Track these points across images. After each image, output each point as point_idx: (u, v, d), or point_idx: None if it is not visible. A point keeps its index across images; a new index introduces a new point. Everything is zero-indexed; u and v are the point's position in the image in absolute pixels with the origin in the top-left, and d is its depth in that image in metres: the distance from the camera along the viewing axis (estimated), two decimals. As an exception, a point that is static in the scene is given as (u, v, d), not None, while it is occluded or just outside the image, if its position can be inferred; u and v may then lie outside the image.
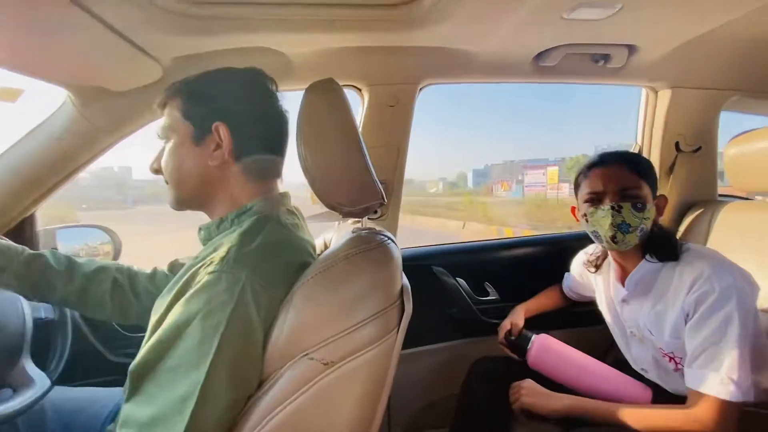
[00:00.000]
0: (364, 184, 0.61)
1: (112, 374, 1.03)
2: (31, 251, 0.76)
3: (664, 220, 1.33)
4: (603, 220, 0.86)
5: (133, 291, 0.83)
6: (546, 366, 1.01)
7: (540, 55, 1.09)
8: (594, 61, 1.14)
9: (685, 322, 0.80)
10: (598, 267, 1.03)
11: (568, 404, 0.88)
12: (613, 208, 0.85)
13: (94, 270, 0.81)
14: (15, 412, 0.66)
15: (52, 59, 0.78)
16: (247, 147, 0.65)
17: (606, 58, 1.11)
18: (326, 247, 0.79)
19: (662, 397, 0.91)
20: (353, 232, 0.65)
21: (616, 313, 0.99)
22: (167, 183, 0.69)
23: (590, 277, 1.09)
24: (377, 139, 1.16)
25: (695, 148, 1.34)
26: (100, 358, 1.06)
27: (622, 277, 0.94)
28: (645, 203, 0.86)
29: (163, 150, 0.69)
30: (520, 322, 1.13)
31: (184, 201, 0.69)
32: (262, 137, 0.67)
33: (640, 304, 0.91)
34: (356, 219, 0.69)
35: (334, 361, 0.51)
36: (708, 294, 0.77)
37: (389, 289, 0.57)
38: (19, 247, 0.76)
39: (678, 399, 0.84)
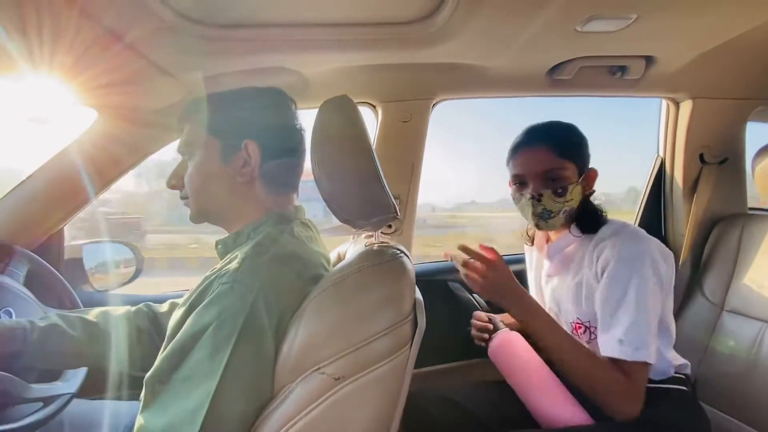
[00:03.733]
0: (377, 199, 0.61)
1: (130, 388, 1.04)
2: (42, 324, 0.69)
3: (689, 234, 1.29)
4: (525, 208, 0.89)
5: (158, 334, 0.80)
6: (500, 362, 0.99)
7: (554, 69, 1.09)
8: (610, 74, 1.12)
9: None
10: (533, 240, 1.03)
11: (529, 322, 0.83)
12: (533, 197, 0.86)
13: (114, 325, 0.77)
14: (46, 417, 0.70)
15: (82, 83, 0.83)
16: (272, 164, 0.67)
17: (623, 69, 1.10)
18: (340, 259, 0.79)
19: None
20: (366, 245, 0.65)
21: (540, 290, 1.00)
22: (185, 198, 0.70)
23: (526, 254, 1.10)
24: (392, 155, 1.17)
25: (721, 159, 1.29)
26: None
27: (548, 250, 0.96)
28: (567, 186, 0.85)
29: (181, 165, 0.70)
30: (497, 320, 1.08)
31: (206, 215, 0.70)
32: (285, 154, 0.69)
33: (563, 278, 0.91)
34: (369, 233, 0.69)
35: (346, 375, 0.51)
36: (612, 260, 0.80)
37: (402, 303, 0.56)
38: (25, 322, 0.68)
39: None
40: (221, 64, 0.89)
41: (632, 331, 0.76)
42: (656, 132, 1.41)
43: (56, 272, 0.95)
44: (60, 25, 0.62)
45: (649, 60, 1.06)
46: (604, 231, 0.87)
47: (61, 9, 0.59)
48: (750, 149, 1.32)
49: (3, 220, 1.00)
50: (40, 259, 0.93)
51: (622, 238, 0.82)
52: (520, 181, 0.90)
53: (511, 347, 0.99)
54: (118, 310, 0.80)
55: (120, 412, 0.87)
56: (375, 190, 0.61)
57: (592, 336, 0.85)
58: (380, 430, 0.53)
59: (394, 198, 0.64)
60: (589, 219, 0.89)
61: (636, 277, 0.78)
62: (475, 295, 1.27)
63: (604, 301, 0.80)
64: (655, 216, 1.43)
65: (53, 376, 0.80)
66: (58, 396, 0.75)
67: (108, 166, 1.03)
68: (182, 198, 0.71)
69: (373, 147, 0.74)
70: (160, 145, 1.04)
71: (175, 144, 0.75)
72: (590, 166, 0.91)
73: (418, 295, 0.63)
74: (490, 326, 1.05)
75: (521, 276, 1.11)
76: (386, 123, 1.17)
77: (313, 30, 0.83)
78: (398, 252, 0.62)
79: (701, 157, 1.30)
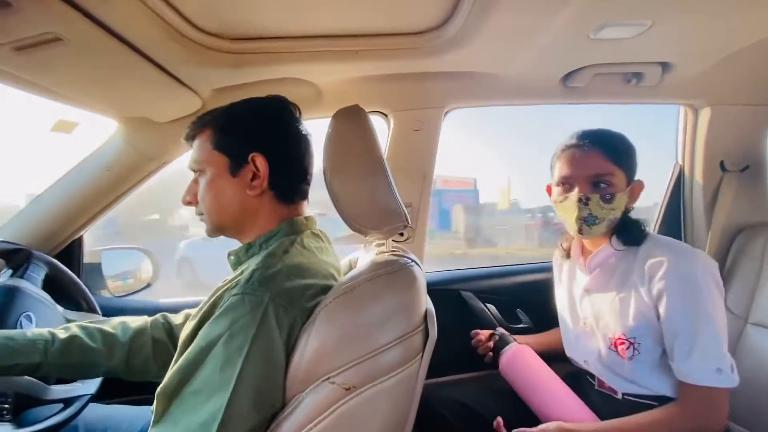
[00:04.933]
0: (388, 207, 0.62)
1: (143, 393, 1.05)
2: (63, 336, 0.70)
3: (710, 244, 1.25)
4: (570, 211, 0.85)
5: (174, 345, 0.79)
6: (512, 375, 0.97)
7: (567, 77, 1.08)
8: (625, 81, 1.11)
9: (656, 313, 0.80)
10: (569, 253, 1.00)
11: None
12: (580, 200, 0.83)
13: (132, 336, 0.77)
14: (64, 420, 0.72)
15: (105, 95, 0.85)
16: (281, 173, 0.67)
17: (638, 76, 1.08)
18: (351, 267, 0.79)
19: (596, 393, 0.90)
20: (377, 254, 0.65)
21: (574, 305, 0.96)
22: (200, 214, 0.70)
23: (554, 267, 1.07)
24: (403, 163, 1.17)
25: (742, 167, 1.25)
26: None
27: (585, 262, 0.93)
28: (615, 193, 0.83)
29: (194, 182, 0.71)
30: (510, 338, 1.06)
31: (222, 229, 0.71)
32: (292, 162, 0.69)
33: (604, 292, 0.89)
34: (380, 242, 0.69)
35: (356, 386, 0.50)
36: (674, 282, 0.78)
37: (412, 313, 0.56)
38: (46, 333, 0.69)
39: (609, 397, 0.87)
40: (236, 75, 0.91)
41: (721, 356, 0.75)
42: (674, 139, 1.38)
43: (73, 275, 0.97)
44: (83, 41, 0.65)
45: (665, 66, 1.04)
46: (649, 245, 0.85)
47: (83, 25, 0.61)
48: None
49: (28, 227, 1.04)
50: (57, 262, 0.95)
51: (677, 257, 0.80)
52: (567, 183, 0.87)
53: (521, 361, 0.98)
54: (136, 321, 0.81)
55: (135, 417, 0.87)
56: (386, 199, 0.61)
57: (636, 352, 0.82)
58: None
59: (406, 206, 0.64)
60: (632, 231, 0.87)
61: (706, 298, 0.76)
62: (489, 305, 1.25)
63: (681, 327, 0.77)
64: (674, 225, 1.39)
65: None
66: (78, 397, 0.76)
67: (127, 175, 1.06)
68: (198, 214, 0.71)
69: (385, 156, 0.74)
70: (177, 153, 1.07)
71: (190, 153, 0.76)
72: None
73: (430, 305, 0.62)
74: (490, 344, 1.03)
75: (548, 285, 1.10)
76: (398, 132, 1.17)
77: (327, 41, 0.84)
78: (409, 261, 0.62)
79: (722, 164, 1.26)
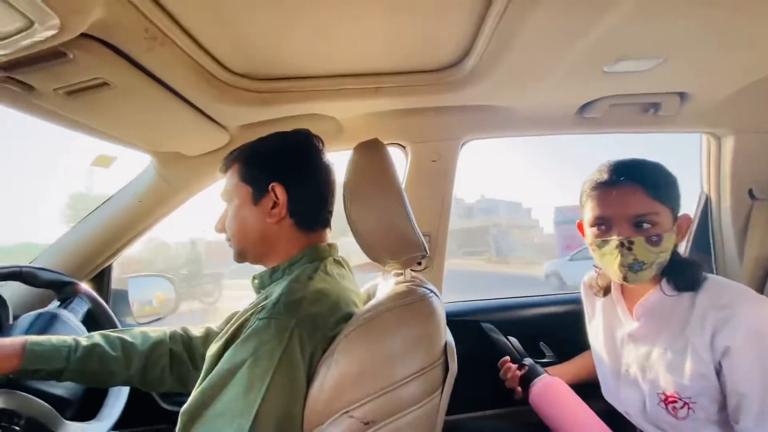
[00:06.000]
0: (406, 237, 0.63)
1: (163, 422, 1.05)
2: (86, 343, 0.72)
3: (745, 276, 1.19)
4: (610, 257, 0.74)
5: (191, 359, 0.82)
6: (545, 409, 0.92)
7: (584, 107, 1.09)
8: (643, 111, 1.11)
9: (717, 369, 0.71)
10: (606, 291, 0.89)
11: None
12: (622, 245, 0.72)
13: (151, 347, 0.78)
14: None
15: (142, 132, 0.92)
16: (300, 202, 0.71)
17: (656, 106, 1.08)
18: (369, 298, 0.79)
19: None
20: (396, 284, 0.65)
21: (615, 349, 0.87)
22: (228, 241, 0.75)
23: (584, 300, 0.98)
24: (421, 193, 1.19)
25: None
26: (152, 405, 1.09)
27: (631, 306, 0.83)
28: (662, 234, 0.72)
29: (225, 212, 0.76)
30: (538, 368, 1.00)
31: (245, 255, 0.74)
32: (313, 191, 0.73)
33: (652, 342, 0.79)
34: (399, 271, 0.70)
35: (375, 420, 0.50)
36: (746, 338, 0.68)
37: (432, 345, 0.55)
38: (70, 341, 0.71)
39: None
40: (262, 112, 0.97)
41: None
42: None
43: (112, 314, 1.00)
44: (127, 85, 0.70)
45: (683, 96, 1.04)
46: (708, 292, 0.74)
47: (129, 71, 0.67)
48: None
49: (65, 254, 1.09)
50: (101, 300, 0.99)
51: (746, 308, 0.70)
52: (603, 225, 0.76)
53: (554, 393, 0.94)
54: (156, 332, 0.83)
55: None
56: (405, 230, 0.62)
57: (691, 411, 0.72)
58: None
59: (424, 235, 0.64)
60: (686, 274, 0.76)
61: None
62: (510, 337, 1.22)
63: (750, 388, 0.68)
64: (703, 257, 1.34)
65: (89, 411, 0.82)
66: None
67: (157, 206, 1.11)
68: (227, 240, 0.76)
69: (403, 186, 0.76)
70: (205, 185, 1.12)
71: (217, 185, 0.80)
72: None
73: (449, 337, 0.61)
74: (518, 373, 0.99)
75: (574, 317, 1.04)
76: (416, 163, 1.19)
77: (349, 79, 0.89)
78: (427, 291, 0.62)
79: (750, 192, 1.23)
